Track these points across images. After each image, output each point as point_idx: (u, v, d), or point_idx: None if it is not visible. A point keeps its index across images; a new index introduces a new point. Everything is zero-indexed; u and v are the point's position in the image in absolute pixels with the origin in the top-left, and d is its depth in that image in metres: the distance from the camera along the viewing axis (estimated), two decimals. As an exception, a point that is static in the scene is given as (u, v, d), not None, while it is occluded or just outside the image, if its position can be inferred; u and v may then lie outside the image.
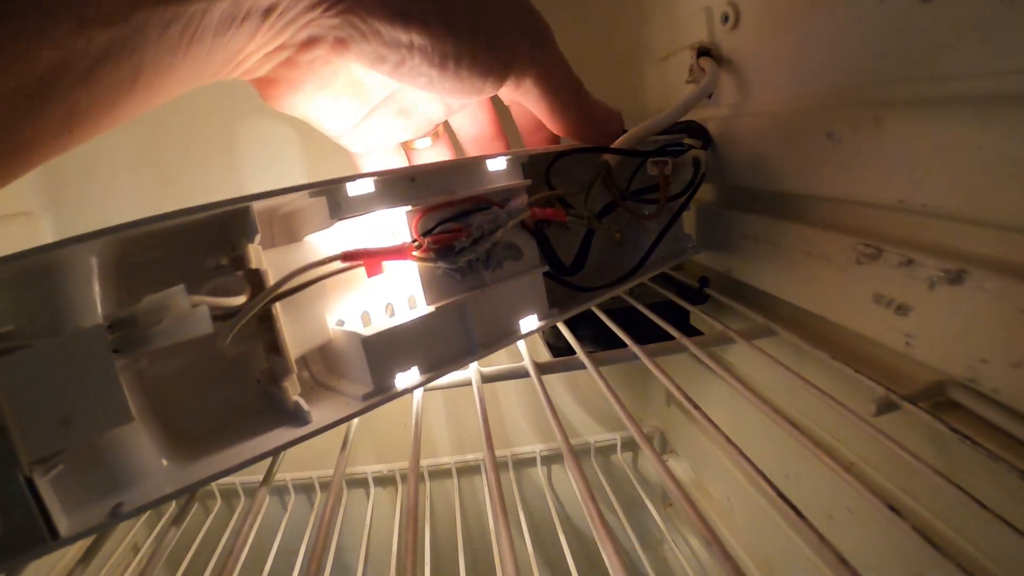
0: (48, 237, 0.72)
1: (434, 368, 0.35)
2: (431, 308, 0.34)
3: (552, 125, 0.40)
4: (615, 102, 0.44)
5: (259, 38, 0.29)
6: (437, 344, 0.35)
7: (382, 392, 0.33)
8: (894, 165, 0.37)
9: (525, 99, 0.38)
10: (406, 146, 0.45)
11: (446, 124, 0.46)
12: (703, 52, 0.56)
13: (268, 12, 0.28)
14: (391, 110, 0.40)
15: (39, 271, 0.25)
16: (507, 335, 0.38)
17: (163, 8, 0.24)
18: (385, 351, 0.33)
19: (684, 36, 0.60)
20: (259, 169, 0.76)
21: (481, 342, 0.37)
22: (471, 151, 0.47)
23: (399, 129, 0.42)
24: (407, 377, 0.34)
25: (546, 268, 0.40)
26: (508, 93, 0.38)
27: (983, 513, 0.26)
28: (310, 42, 0.31)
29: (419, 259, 0.33)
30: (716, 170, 0.58)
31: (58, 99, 0.24)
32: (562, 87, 0.38)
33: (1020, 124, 0.29)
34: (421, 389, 0.44)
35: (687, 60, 0.57)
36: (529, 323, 0.39)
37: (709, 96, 0.57)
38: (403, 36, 0.31)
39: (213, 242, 0.31)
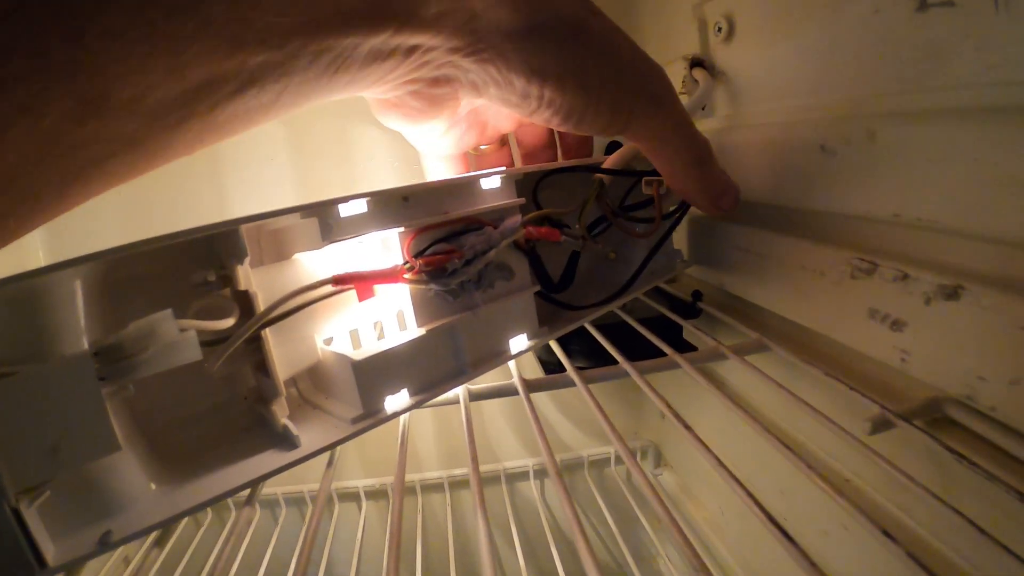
0: (35, 250, 0.72)
1: (424, 390, 0.35)
2: (422, 331, 0.34)
3: (666, 180, 0.41)
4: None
5: (398, 72, 0.30)
6: (427, 366, 0.35)
7: (371, 415, 0.32)
8: (888, 178, 0.36)
9: (646, 152, 0.39)
10: (473, 149, 0.47)
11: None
12: (696, 63, 0.55)
13: (412, 50, 0.29)
14: (469, 122, 0.42)
15: (24, 297, 0.24)
16: (497, 355, 0.38)
17: (320, 39, 0.25)
18: (375, 375, 0.32)
19: (677, 47, 0.60)
20: (244, 182, 0.75)
21: (471, 363, 0.36)
22: (525, 157, 0.48)
23: (472, 138, 0.43)
24: (397, 400, 0.33)
25: (537, 288, 0.39)
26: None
27: (981, 535, 0.25)
28: (443, 80, 0.33)
29: (410, 281, 0.33)
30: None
31: (200, 114, 0.24)
32: (678, 150, 0.39)
33: (1016, 136, 0.28)
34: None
35: (680, 71, 0.57)
36: (519, 343, 0.39)
37: (703, 108, 0.56)
38: (535, 90, 0.32)
39: (201, 258, 0.30)
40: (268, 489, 0.86)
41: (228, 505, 0.86)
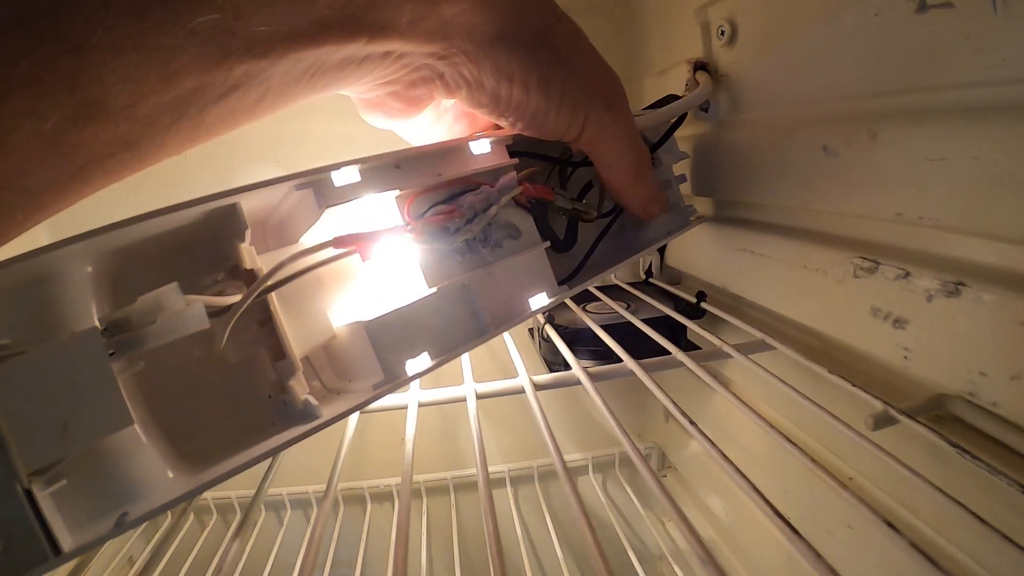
0: (44, 242, 0.72)
1: (445, 351, 0.34)
2: (432, 290, 0.34)
3: (604, 182, 0.43)
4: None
5: (375, 74, 0.32)
6: (445, 327, 0.35)
7: (393, 380, 0.32)
8: (890, 178, 0.37)
9: (589, 153, 0.41)
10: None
11: None
12: (699, 67, 0.56)
13: (386, 55, 0.31)
14: (457, 113, 0.43)
15: (32, 278, 0.24)
16: (517, 313, 0.38)
17: (299, 48, 0.27)
18: (390, 336, 0.32)
19: (681, 51, 0.61)
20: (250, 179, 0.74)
21: (490, 321, 0.36)
22: None
23: (463, 127, 0.44)
24: (418, 363, 0.33)
25: (547, 244, 0.39)
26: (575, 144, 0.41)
27: (984, 528, 0.26)
28: (420, 82, 0.34)
29: (414, 240, 0.33)
30: (712, 183, 0.58)
31: (190, 117, 0.26)
32: (620, 154, 0.41)
33: (1016, 134, 0.29)
34: (416, 406, 0.44)
35: (684, 74, 0.58)
36: (539, 300, 0.39)
37: (706, 110, 0.57)
38: (504, 92, 0.34)
39: (209, 258, 0.30)
40: (273, 490, 0.86)
41: (233, 507, 0.86)
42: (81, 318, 0.26)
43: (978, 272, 0.33)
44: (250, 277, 0.29)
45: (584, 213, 0.43)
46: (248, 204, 0.29)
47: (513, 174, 0.37)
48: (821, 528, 0.49)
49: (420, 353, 0.33)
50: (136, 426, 0.27)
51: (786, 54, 0.45)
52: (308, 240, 0.34)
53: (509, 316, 0.37)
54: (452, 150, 0.37)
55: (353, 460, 0.89)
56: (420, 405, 0.45)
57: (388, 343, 0.32)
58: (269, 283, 0.28)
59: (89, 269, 0.27)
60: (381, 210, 0.35)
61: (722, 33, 0.52)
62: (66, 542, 0.23)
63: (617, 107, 0.39)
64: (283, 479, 0.87)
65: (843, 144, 0.40)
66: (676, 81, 0.60)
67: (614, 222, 0.46)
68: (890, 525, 0.26)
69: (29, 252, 0.23)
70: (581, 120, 0.37)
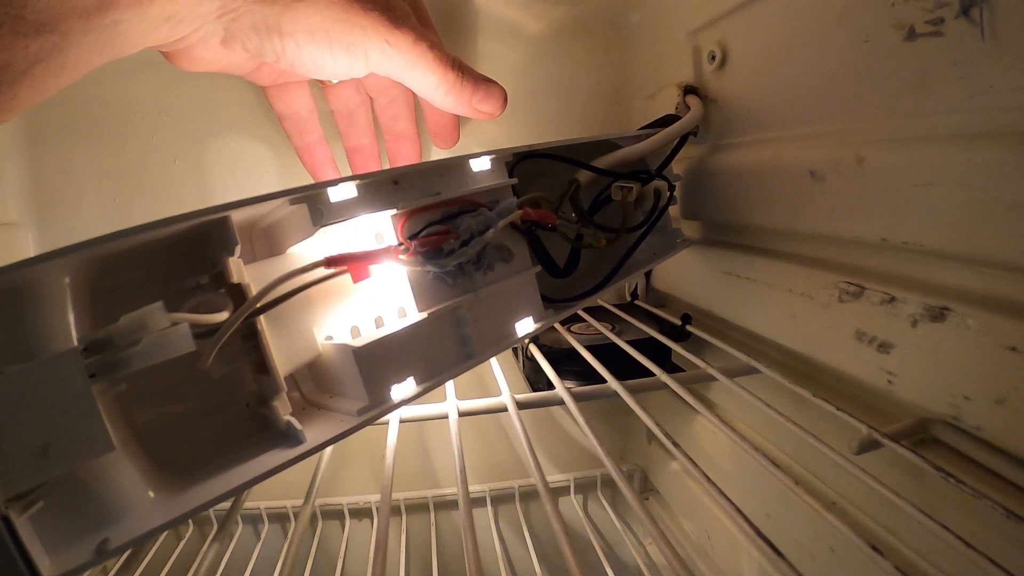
0: (30, 250, 0.71)
1: (431, 377, 0.34)
2: (423, 315, 0.34)
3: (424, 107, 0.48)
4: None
5: (161, 35, 0.37)
6: (432, 352, 0.34)
7: (378, 405, 0.31)
8: (876, 203, 0.37)
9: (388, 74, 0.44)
10: (321, 83, 0.55)
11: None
12: (689, 90, 0.56)
13: (168, 19, 0.36)
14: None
15: (8, 292, 0.24)
16: (504, 338, 0.37)
17: (84, 21, 0.31)
18: (378, 362, 0.32)
19: (671, 74, 0.61)
20: (243, 191, 0.74)
21: (478, 347, 0.36)
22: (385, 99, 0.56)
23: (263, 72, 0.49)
24: (403, 388, 0.33)
25: (538, 268, 0.39)
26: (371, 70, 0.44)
27: (967, 552, 0.26)
28: (204, 39, 0.39)
29: (406, 262, 0.32)
30: (699, 206, 0.58)
31: (3, 90, 0.30)
32: (423, 74, 0.44)
33: (1001, 160, 0.29)
34: (398, 422, 0.44)
35: (674, 98, 0.58)
36: (525, 325, 0.38)
37: (695, 134, 0.57)
38: (267, 46, 0.40)
39: (192, 260, 0.30)
40: (250, 503, 0.85)
41: (211, 519, 0.85)
42: (59, 331, 0.25)
43: (963, 297, 0.33)
44: (237, 292, 0.29)
45: (591, 241, 0.42)
46: (238, 212, 0.29)
47: (513, 198, 0.37)
48: (804, 552, 0.49)
49: (406, 378, 0.33)
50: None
51: (776, 79, 0.46)
52: (297, 252, 0.34)
53: (496, 340, 0.37)
54: (452, 167, 0.36)
55: (332, 475, 0.88)
56: (401, 421, 0.45)
57: (375, 368, 0.31)
58: (258, 305, 0.28)
59: (67, 280, 0.26)
60: (373, 224, 0.35)
61: (713, 58, 0.53)
62: (45, 568, 0.22)
63: (397, 28, 0.41)
64: (261, 492, 0.86)
65: (830, 169, 0.40)
66: (665, 104, 0.61)
67: (648, 234, 0.47)
68: (875, 548, 0.26)
69: (6, 267, 0.22)
70: (362, 55, 0.41)
